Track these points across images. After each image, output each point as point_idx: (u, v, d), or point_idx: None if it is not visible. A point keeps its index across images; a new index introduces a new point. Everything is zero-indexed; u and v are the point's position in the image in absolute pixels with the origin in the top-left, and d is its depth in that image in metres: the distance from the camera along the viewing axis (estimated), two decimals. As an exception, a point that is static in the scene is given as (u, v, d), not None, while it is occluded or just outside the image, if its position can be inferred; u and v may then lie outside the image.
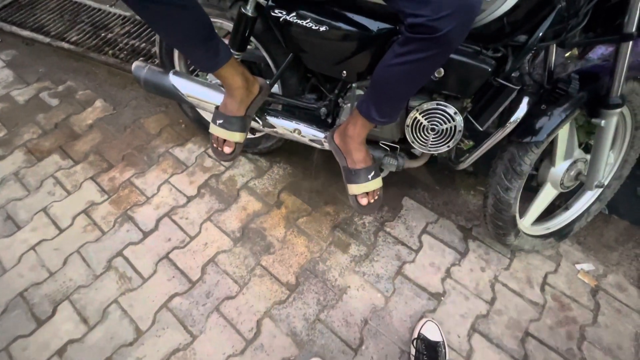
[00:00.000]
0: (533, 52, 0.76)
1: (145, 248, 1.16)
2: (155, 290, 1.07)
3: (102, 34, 1.86)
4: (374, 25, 0.78)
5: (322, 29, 0.81)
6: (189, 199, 1.28)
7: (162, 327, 1.01)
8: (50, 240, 1.18)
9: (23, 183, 1.32)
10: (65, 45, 1.80)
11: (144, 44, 1.80)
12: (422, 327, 0.98)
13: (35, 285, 1.08)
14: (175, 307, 1.05)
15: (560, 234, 1.13)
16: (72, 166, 1.37)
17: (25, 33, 1.87)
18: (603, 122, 0.81)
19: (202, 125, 1.39)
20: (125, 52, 1.77)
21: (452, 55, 0.75)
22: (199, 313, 1.04)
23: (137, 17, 1.94)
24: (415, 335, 0.98)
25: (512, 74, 0.78)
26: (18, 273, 1.11)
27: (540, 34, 0.69)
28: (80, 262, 1.13)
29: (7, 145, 1.43)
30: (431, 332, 0.97)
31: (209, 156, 1.41)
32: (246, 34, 0.93)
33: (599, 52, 1.12)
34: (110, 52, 1.77)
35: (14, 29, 1.89)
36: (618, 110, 0.80)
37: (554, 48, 0.81)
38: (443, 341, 0.97)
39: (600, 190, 1.11)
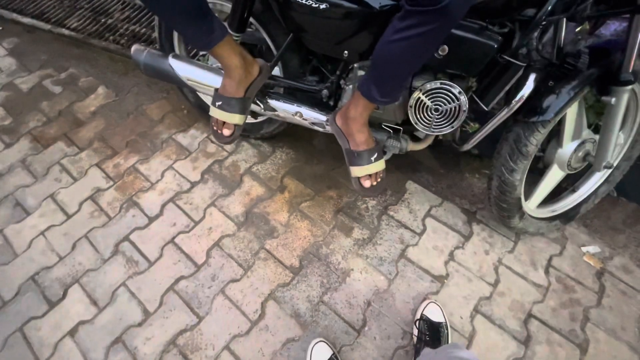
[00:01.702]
0: (542, 27, 0.73)
1: (151, 233, 1.18)
2: (161, 274, 1.10)
3: (102, 20, 1.85)
4: (375, 1, 0.76)
5: (323, 6, 0.78)
6: (193, 184, 1.29)
7: (169, 308, 1.04)
8: (59, 225, 1.20)
9: (30, 170, 1.34)
10: (66, 31, 1.79)
11: (144, 29, 1.78)
12: (424, 308, 0.99)
13: (46, 269, 1.11)
14: (182, 289, 1.07)
15: (567, 217, 1.12)
16: (77, 153, 1.38)
17: (26, 20, 1.86)
18: (613, 99, 0.79)
19: (203, 111, 1.38)
20: (125, 38, 1.75)
21: (457, 32, 0.73)
22: (204, 295, 1.06)
23: (137, 2, 1.91)
24: (418, 316, 0.99)
25: (519, 51, 0.75)
26: (29, 257, 1.13)
27: (550, 7, 0.66)
28: (88, 247, 1.15)
29: (13, 133, 1.44)
30: (434, 313, 0.98)
31: (212, 142, 1.40)
32: (245, 14, 0.91)
33: (612, 27, 1.07)
34: (110, 38, 1.75)
35: (15, 16, 1.88)
36: (629, 87, 0.77)
37: (563, 22, 0.77)
38: (445, 322, 0.98)
39: (609, 171, 1.09)
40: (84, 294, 1.06)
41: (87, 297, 1.06)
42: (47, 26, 1.82)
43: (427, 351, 0.90)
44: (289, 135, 1.38)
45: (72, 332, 1.00)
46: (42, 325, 1.01)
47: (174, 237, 1.17)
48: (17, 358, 0.96)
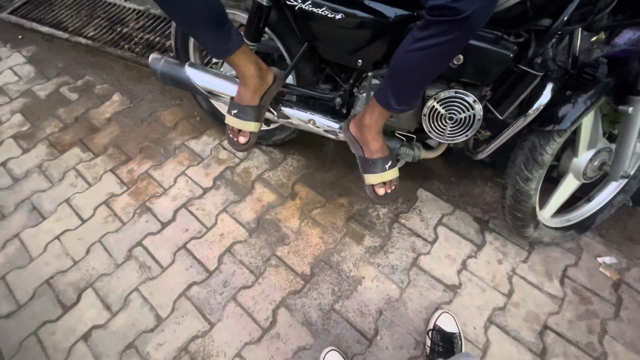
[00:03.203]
0: (557, 36, 0.73)
1: (164, 238, 1.19)
2: (174, 279, 1.10)
3: (118, 29, 1.89)
4: (391, 11, 0.77)
5: (338, 17, 0.80)
6: (205, 190, 1.30)
7: (181, 314, 1.04)
8: (74, 230, 1.22)
9: (46, 175, 1.36)
10: (83, 40, 1.84)
11: (158, 38, 1.82)
12: (437, 318, 0.98)
13: (61, 273, 1.12)
14: (194, 295, 1.07)
15: (582, 227, 1.10)
16: (92, 159, 1.40)
17: (45, 29, 1.91)
18: (631, 109, 0.78)
19: (216, 118, 1.40)
20: (140, 46, 1.79)
21: (472, 41, 0.73)
22: (216, 302, 1.06)
23: (152, 12, 1.96)
24: (431, 326, 0.97)
25: (535, 60, 0.75)
26: (44, 261, 1.15)
27: (566, 18, 0.66)
28: (102, 252, 1.17)
29: (30, 139, 1.48)
30: (447, 323, 0.97)
31: (224, 148, 1.42)
32: (261, 25, 0.93)
33: (627, 36, 1.07)
34: (126, 46, 1.79)
35: (34, 25, 1.94)
36: (647, 96, 0.76)
37: (579, 32, 0.77)
38: (459, 333, 0.96)
39: (625, 181, 1.07)
40: (98, 298, 1.07)
41: (101, 302, 1.07)
42: (65, 35, 1.87)
43: (439, 361, 0.89)
44: (300, 142, 1.39)
45: (85, 337, 1.01)
46: (57, 329, 1.02)
47: (186, 243, 1.18)
48: (31, 362, 0.97)
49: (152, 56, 1.05)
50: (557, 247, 1.13)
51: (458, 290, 1.06)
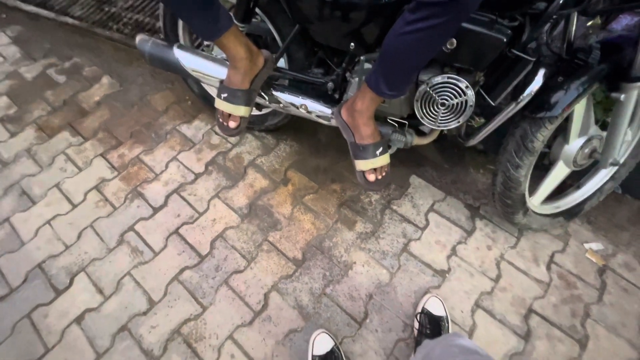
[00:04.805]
0: (552, 20, 0.71)
1: (156, 223, 1.19)
2: (166, 264, 1.11)
3: (106, 9, 1.83)
4: (383, -8, 0.75)
5: (330, -3, 0.77)
6: (197, 175, 1.29)
7: (174, 298, 1.05)
8: (65, 215, 1.21)
9: (35, 159, 1.34)
10: (70, 20, 1.78)
11: (148, 18, 1.77)
12: (426, 302, 1.00)
13: (52, 258, 1.12)
14: (186, 279, 1.08)
15: (570, 213, 1.12)
16: (82, 143, 1.38)
17: (29, 8, 1.85)
18: (623, 96, 0.78)
19: (207, 101, 1.38)
20: (129, 27, 1.74)
21: (465, 25, 0.72)
22: (208, 286, 1.07)
23: (141, -10, 1.89)
24: (419, 309, 0.99)
25: (529, 45, 0.74)
26: (35, 246, 1.15)
27: (561, 1, 0.65)
28: (93, 236, 1.16)
29: (18, 122, 1.45)
30: (435, 307, 0.99)
31: (216, 133, 1.40)
32: (251, 5, 0.90)
33: (624, 22, 1.05)
34: (114, 27, 1.74)
35: (18, 3, 1.87)
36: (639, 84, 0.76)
37: (575, 16, 0.76)
38: (446, 316, 0.98)
39: (615, 168, 1.08)
40: (90, 282, 1.08)
41: (93, 286, 1.07)
42: (51, 14, 1.81)
43: (427, 342, 0.91)
44: (293, 127, 1.37)
45: (78, 320, 1.02)
46: (49, 312, 1.03)
47: (178, 228, 1.18)
48: (25, 344, 0.98)
49: (140, 37, 1.02)
50: (545, 234, 1.15)
51: (447, 275, 1.08)
